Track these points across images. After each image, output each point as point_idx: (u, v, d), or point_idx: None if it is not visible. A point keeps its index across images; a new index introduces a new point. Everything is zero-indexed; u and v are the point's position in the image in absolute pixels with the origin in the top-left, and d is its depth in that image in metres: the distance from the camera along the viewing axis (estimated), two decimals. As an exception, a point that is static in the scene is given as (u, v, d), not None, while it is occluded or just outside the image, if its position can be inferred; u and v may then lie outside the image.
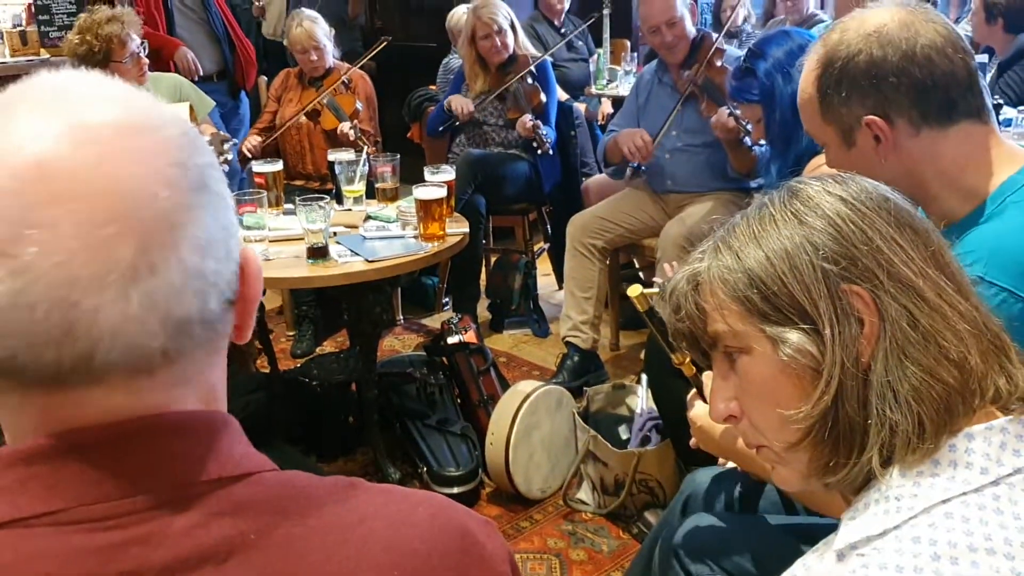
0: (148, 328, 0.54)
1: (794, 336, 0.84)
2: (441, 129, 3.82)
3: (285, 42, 3.98)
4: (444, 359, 2.97)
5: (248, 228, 2.56)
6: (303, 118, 3.63)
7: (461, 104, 3.68)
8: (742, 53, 3.11)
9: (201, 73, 4.17)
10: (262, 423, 2.74)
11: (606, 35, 5.37)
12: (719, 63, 3.08)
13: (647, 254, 3.36)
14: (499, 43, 3.67)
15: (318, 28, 3.67)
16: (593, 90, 4.93)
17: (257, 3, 5.66)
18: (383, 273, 2.40)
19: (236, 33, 4.50)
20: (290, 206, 2.86)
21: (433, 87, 4.56)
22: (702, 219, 3.02)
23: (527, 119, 3.57)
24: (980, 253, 1.19)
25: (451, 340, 2.93)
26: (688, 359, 1.48)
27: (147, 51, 3.12)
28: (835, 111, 1.31)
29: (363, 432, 2.86)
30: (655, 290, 1.50)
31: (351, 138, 3.49)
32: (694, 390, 1.52)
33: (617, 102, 4.96)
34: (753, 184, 3.16)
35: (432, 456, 2.64)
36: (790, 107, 2.14)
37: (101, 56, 3.00)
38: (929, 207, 1.30)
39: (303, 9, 3.83)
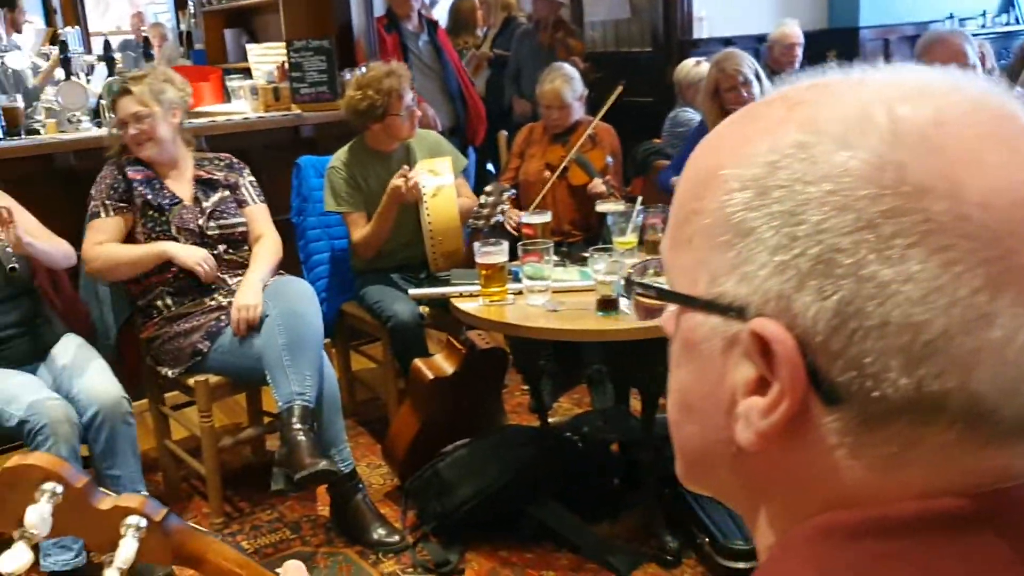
0: None
1: None
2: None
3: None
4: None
5: (529, 278, 2.51)
6: (547, 173, 3.59)
7: None
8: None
9: (440, 129, 4.24)
10: (531, 479, 2.65)
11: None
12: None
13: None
14: (745, 94, 3.54)
15: (568, 88, 3.62)
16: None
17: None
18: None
19: (468, 90, 4.57)
20: (555, 257, 2.82)
21: (658, 140, 4.48)
22: None
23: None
24: None
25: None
26: None
27: (418, 104, 3.12)
28: None
29: (626, 495, 2.73)
30: None
31: (604, 194, 3.43)
32: None
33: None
34: None
35: (715, 527, 2.46)
36: None
37: (381, 110, 2.99)
38: None
39: (563, 64, 3.79)
